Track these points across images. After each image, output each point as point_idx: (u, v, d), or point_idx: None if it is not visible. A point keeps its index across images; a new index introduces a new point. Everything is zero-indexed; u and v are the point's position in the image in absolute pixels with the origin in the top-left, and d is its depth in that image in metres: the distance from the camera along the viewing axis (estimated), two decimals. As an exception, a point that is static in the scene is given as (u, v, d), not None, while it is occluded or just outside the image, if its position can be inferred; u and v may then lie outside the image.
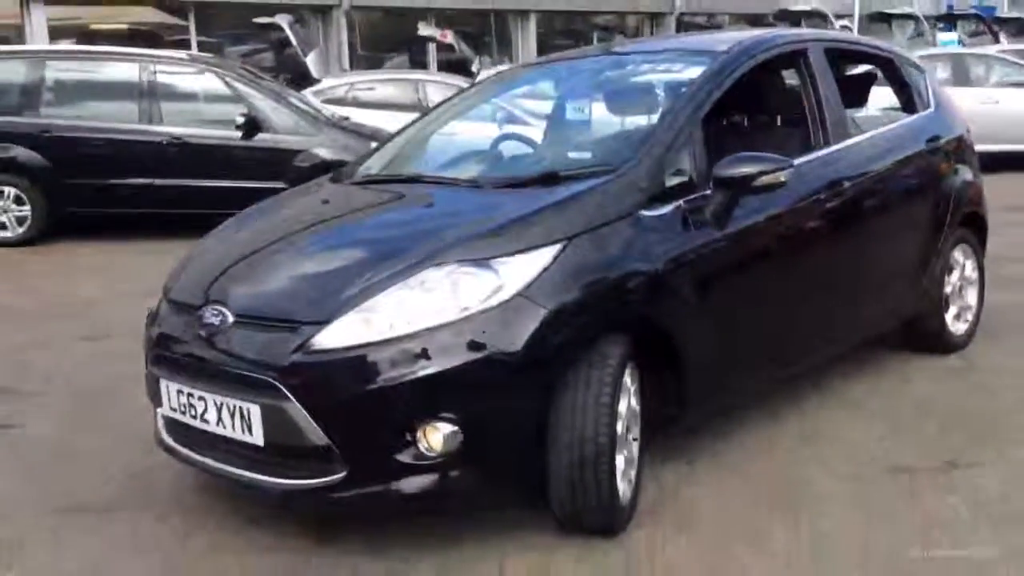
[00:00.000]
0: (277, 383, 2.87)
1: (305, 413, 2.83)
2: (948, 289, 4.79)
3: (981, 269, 5.06)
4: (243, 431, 2.97)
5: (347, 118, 10.50)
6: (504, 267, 2.92)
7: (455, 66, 14.64)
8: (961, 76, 12.89)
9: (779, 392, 4.11)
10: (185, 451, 3.26)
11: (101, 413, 4.38)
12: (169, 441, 3.34)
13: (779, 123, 4.41)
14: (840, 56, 4.46)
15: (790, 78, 4.20)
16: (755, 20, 20.75)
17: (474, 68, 14.52)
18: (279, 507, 3.24)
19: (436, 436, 2.81)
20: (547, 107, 4.24)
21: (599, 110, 4.12)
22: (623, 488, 3.06)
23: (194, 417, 3.13)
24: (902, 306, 4.51)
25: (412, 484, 2.86)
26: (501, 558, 3.01)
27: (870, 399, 4.29)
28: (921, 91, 4.86)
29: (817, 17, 12.14)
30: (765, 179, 3.37)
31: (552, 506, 3.01)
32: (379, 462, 2.85)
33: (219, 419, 3.04)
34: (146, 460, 3.71)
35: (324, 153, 9.60)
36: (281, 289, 3.12)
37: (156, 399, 3.33)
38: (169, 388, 3.21)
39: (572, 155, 3.93)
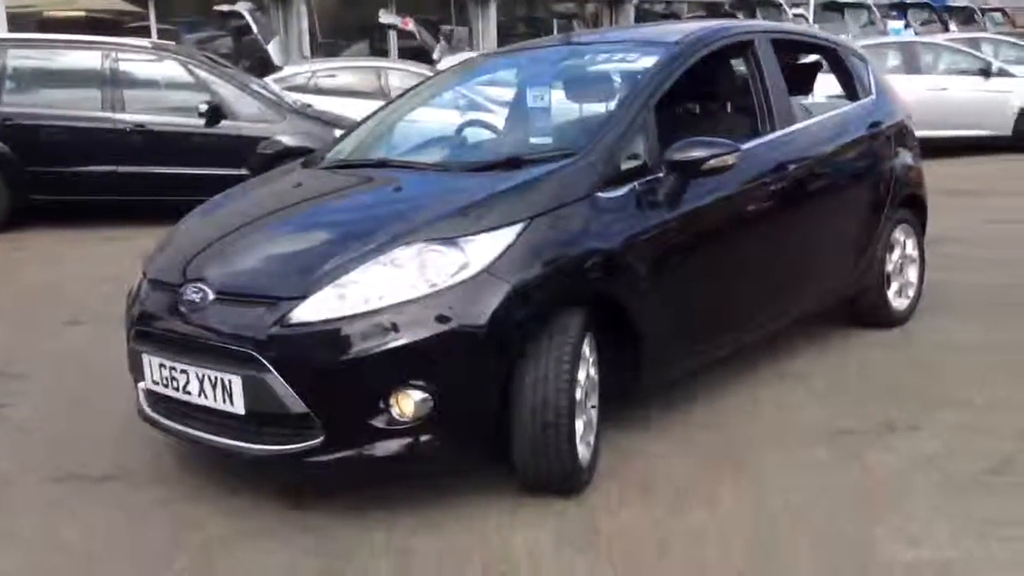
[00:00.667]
0: (257, 355, 3.05)
1: (284, 383, 3.01)
2: (890, 267, 5.06)
3: (921, 248, 5.33)
4: (224, 401, 3.15)
5: (309, 105, 10.62)
6: (470, 245, 3.11)
7: (416, 54, 14.76)
8: (911, 64, 13.24)
9: (726, 364, 4.34)
10: (167, 422, 3.43)
11: (86, 393, 4.52)
12: (151, 413, 3.50)
13: (728, 110, 4.64)
14: (786, 46, 4.69)
15: (738, 67, 4.41)
16: (712, 8, 21.07)
17: (435, 56, 14.65)
18: (258, 471, 3.42)
19: (408, 403, 3.00)
20: (509, 95, 4.43)
21: (558, 97, 4.31)
22: (582, 451, 3.27)
23: (176, 389, 3.30)
24: (845, 282, 4.76)
25: (385, 448, 3.05)
26: (468, 518, 3.21)
27: (813, 369, 4.54)
28: (863, 79, 5.12)
29: (772, 6, 12.43)
30: (714, 162, 3.59)
31: (516, 468, 3.22)
32: (354, 428, 3.04)
33: (201, 390, 3.21)
34: (129, 436, 3.87)
35: (287, 140, 9.71)
36: (259, 267, 3.30)
37: (138, 373, 3.49)
38: (151, 362, 3.38)
39: (533, 140, 4.14)
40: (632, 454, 3.65)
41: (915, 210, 5.27)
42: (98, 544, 3.15)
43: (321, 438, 3.04)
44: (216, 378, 3.15)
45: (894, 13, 22.03)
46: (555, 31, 20.27)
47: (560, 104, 4.27)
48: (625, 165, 3.56)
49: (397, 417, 3.02)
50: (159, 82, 9.80)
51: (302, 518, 3.27)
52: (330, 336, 3.02)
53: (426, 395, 3.00)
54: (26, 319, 5.93)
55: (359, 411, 3.03)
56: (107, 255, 7.99)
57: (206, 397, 3.20)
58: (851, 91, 5.06)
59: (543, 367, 3.12)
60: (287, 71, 12.34)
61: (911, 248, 5.26)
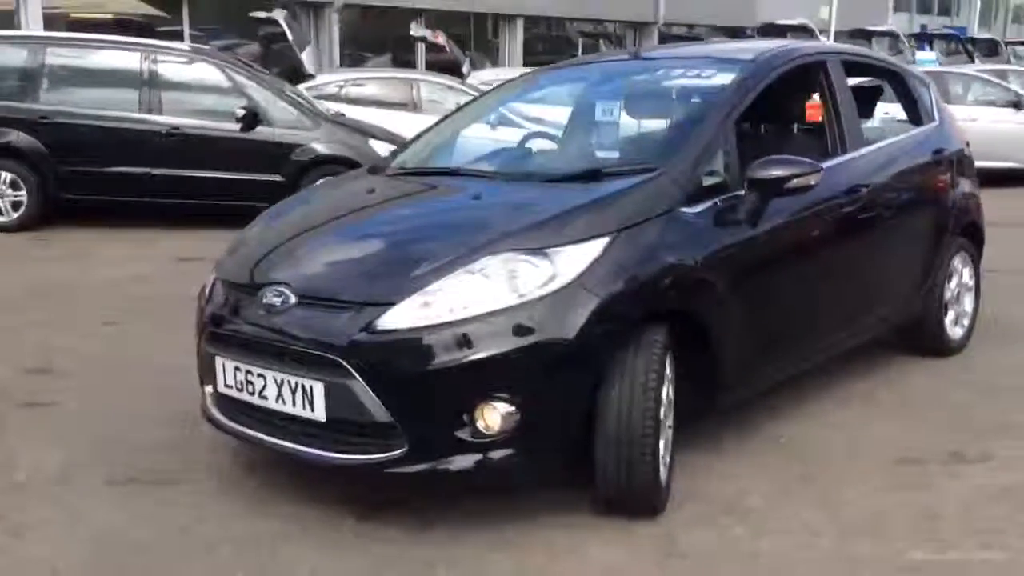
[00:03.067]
0: (342, 361, 3.00)
1: (369, 391, 2.97)
2: (948, 295, 5.01)
3: (977, 277, 5.29)
4: (304, 407, 3.10)
5: (342, 114, 10.62)
6: (558, 256, 3.07)
7: (444, 68, 14.77)
8: (940, 94, 13.20)
9: (792, 386, 4.29)
10: (238, 427, 3.38)
11: (133, 394, 4.48)
12: (220, 417, 3.45)
13: (800, 130, 4.60)
14: (855, 69, 4.66)
15: (811, 88, 4.38)
16: (734, 33, 21.09)
17: (464, 70, 14.66)
18: (324, 480, 3.37)
19: (493, 415, 2.95)
20: (578, 109, 4.39)
21: (630, 112, 4.29)
22: (662, 471, 3.22)
23: (251, 393, 3.25)
24: (908, 307, 4.72)
25: (468, 461, 3.00)
26: (543, 536, 3.16)
27: (878, 394, 4.49)
28: (927, 105, 5.09)
29: (802, 31, 12.39)
30: (796, 181, 3.55)
31: (598, 487, 3.16)
32: (438, 439, 2.99)
33: (279, 395, 3.16)
34: (181, 433, 3.84)
35: (321, 148, 9.73)
36: (343, 271, 3.26)
37: (209, 376, 3.45)
38: (225, 365, 3.33)
39: (607, 154, 4.08)
40: (705, 474, 3.60)
41: (973, 239, 5.23)
42: (163, 553, 3.10)
43: (404, 448, 2.99)
44: (296, 383, 3.11)
45: (918, 43, 22.09)
46: (580, 51, 20.35)
47: (632, 118, 4.24)
48: (706, 181, 3.53)
49: (482, 430, 2.97)
50: (196, 85, 9.79)
51: (374, 530, 3.21)
52: (417, 344, 2.97)
53: (512, 408, 2.95)
54: (63, 319, 5.90)
55: (444, 422, 2.98)
56: (138, 256, 7.99)
57: (284, 403, 3.16)
58: (915, 116, 5.03)
59: (628, 384, 3.07)
60: (318, 80, 12.35)
61: (968, 277, 5.22)
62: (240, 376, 3.29)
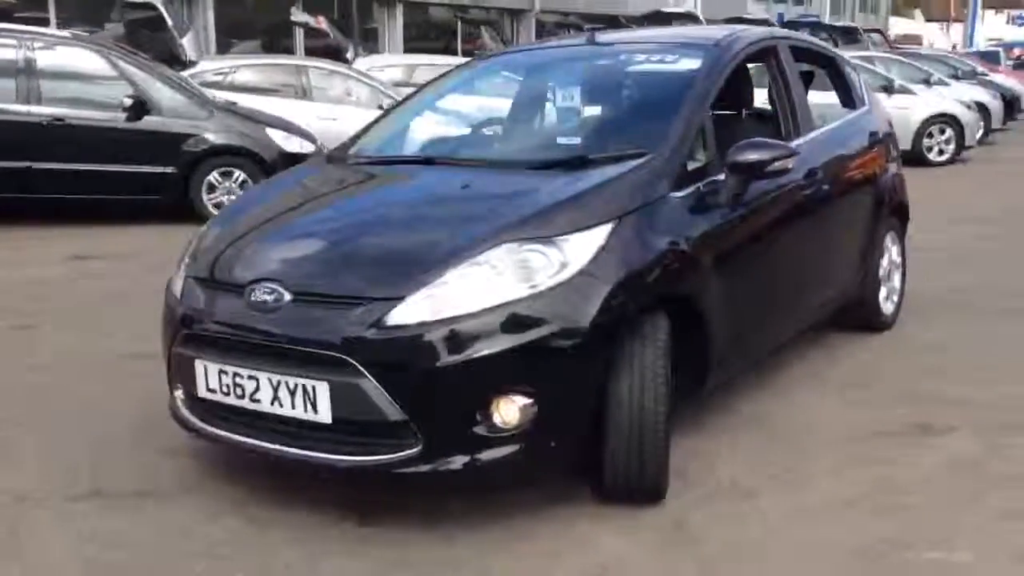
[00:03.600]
0: (350, 360, 2.87)
1: (381, 389, 2.85)
2: (881, 272, 5.19)
3: (903, 255, 5.50)
4: (305, 409, 2.95)
5: (233, 102, 10.25)
6: (567, 244, 3.01)
7: (325, 53, 14.41)
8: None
9: (757, 367, 4.36)
10: (222, 432, 3.20)
11: (65, 400, 4.19)
12: (198, 423, 3.26)
13: (755, 115, 4.67)
14: (798, 54, 4.76)
15: (767, 72, 4.44)
16: (610, 21, 21.37)
17: (349, 56, 14.36)
18: (331, 484, 3.24)
19: (511, 409, 2.88)
20: (536, 95, 4.31)
21: (601, 98, 4.26)
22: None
23: (240, 397, 3.08)
24: (853, 285, 4.87)
25: (487, 456, 2.91)
26: (553, 530, 3.10)
27: (831, 372, 4.62)
28: (858, 90, 5.25)
29: (689, 19, 12.62)
30: (776, 165, 3.59)
31: (607, 476, 3.12)
32: (455, 436, 2.90)
33: (275, 398, 3.00)
34: (148, 447, 3.60)
35: (215, 138, 9.38)
36: (341, 266, 3.11)
37: (185, 380, 3.25)
38: (207, 368, 3.15)
39: (579, 140, 4.01)
40: (691, 454, 3.60)
41: (901, 218, 5.43)
42: (163, 558, 2.93)
43: (419, 447, 2.88)
44: (296, 385, 2.96)
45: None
46: (459, 38, 20.23)
47: (603, 105, 4.21)
48: (690, 166, 3.53)
49: (499, 424, 2.89)
50: (78, 74, 9.27)
51: (376, 533, 3.09)
52: (430, 339, 2.86)
53: (529, 401, 2.88)
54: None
55: (460, 419, 2.89)
56: (30, 259, 7.52)
57: (281, 405, 3.00)
58: (849, 101, 5.18)
59: (639, 372, 3.04)
60: (199, 67, 11.86)
61: (896, 255, 5.42)
62: (226, 379, 3.10)
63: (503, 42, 18.71)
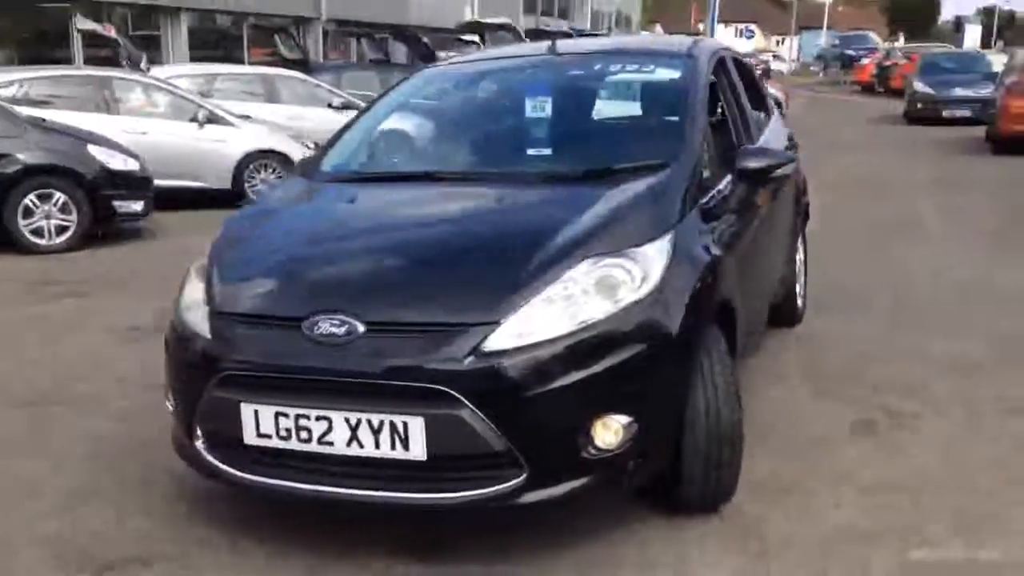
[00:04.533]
0: (449, 391, 2.69)
1: (484, 419, 2.69)
2: (797, 267, 5.47)
3: (806, 252, 5.82)
4: (394, 447, 2.74)
5: (42, 119, 9.34)
6: (642, 257, 2.96)
7: (115, 63, 13.38)
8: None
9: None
10: (275, 482, 2.93)
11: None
12: (239, 474, 2.96)
13: (718, 122, 4.76)
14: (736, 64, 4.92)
15: (721, 81, 4.55)
16: (395, 31, 21.24)
17: (143, 66, 13.43)
18: (343, 526, 3.07)
19: (612, 429, 2.80)
20: (515, 105, 4.17)
21: (592, 109, 4.20)
22: None
23: (305, 440, 2.82)
24: (788, 279, 5.09)
25: (592, 479, 2.83)
26: (641, 543, 3.06)
27: (787, 369, 4.81)
28: (768, 97, 5.50)
29: (506, 29, 12.67)
30: (780, 171, 3.69)
31: (684, 487, 3.10)
32: (559, 461, 2.79)
33: (352, 438, 2.77)
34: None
35: (29, 157, 8.56)
36: (421, 293, 2.90)
37: (218, 426, 2.95)
38: (259, 413, 2.86)
39: (585, 151, 3.91)
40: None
41: (805, 217, 5.74)
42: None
43: (523, 476, 2.74)
44: (381, 422, 2.74)
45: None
46: (246, 46, 19.35)
47: (598, 115, 4.16)
48: (704, 174, 3.57)
49: (601, 446, 2.80)
50: None
51: (453, 571, 2.93)
52: (529, 363, 2.73)
53: (629, 419, 2.81)
54: None
55: (564, 443, 2.78)
56: None
57: (362, 446, 2.77)
58: (764, 108, 5.41)
59: (710, 381, 3.04)
60: (-14, 80, 10.71)
61: (802, 252, 5.72)
62: (286, 422, 2.83)
63: (301, 50, 18.13)
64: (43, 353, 5.41)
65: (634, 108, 4.14)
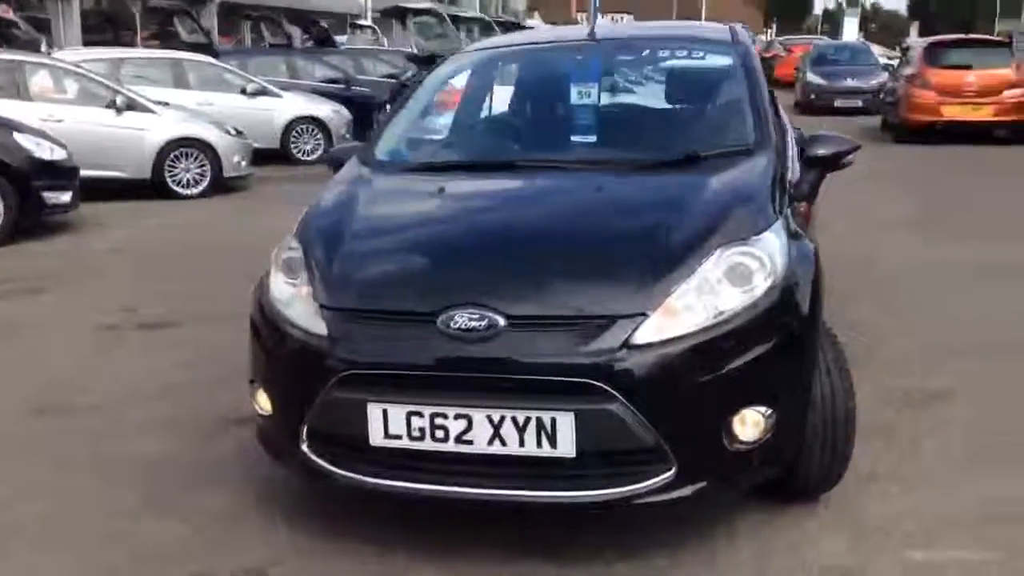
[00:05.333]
0: (602, 385, 2.61)
1: (636, 413, 2.62)
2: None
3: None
4: (540, 444, 2.65)
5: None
6: (765, 245, 2.93)
7: (12, 44, 12.61)
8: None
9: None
10: (408, 485, 2.80)
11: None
12: (363, 478, 2.82)
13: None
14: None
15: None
16: (296, 16, 20.71)
17: (43, 49, 12.70)
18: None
19: (755, 421, 2.77)
20: (578, 92, 4.06)
21: (660, 93, 4.14)
22: None
23: (441, 440, 2.70)
24: None
25: (736, 472, 2.83)
26: (755, 530, 3.06)
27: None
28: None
29: (430, 14, 12.39)
30: (848, 158, 3.73)
31: (800, 474, 3.09)
32: (707, 454, 2.75)
33: (495, 436, 2.67)
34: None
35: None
36: (562, 284, 2.81)
37: (337, 428, 2.81)
38: (388, 413, 2.72)
39: (662, 134, 3.84)
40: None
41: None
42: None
43: (671, 471, 2.69)
44: (527, 419, 2.64)
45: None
46: (139, 28, 18.45)
47: (668, 100, 4.10)
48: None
49: (744, 439, 2.76)
50: None
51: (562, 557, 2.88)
52: (677, 356, 2.68)
53: (769, 410, 2.78)
54: None
55: (711, 436, 2.73)
56: None
57: (504, 444, 2.67)
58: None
59: (825, 365, 3.04)
60: None
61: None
62: (419, 422, 2.70)
63: (204, 33, 17.41)
64: (29, 357, 5.07)
65: (696, 95, 4.09)
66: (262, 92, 13.59)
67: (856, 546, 3.00)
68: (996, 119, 14.25)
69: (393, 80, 18.03)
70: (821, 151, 3.67)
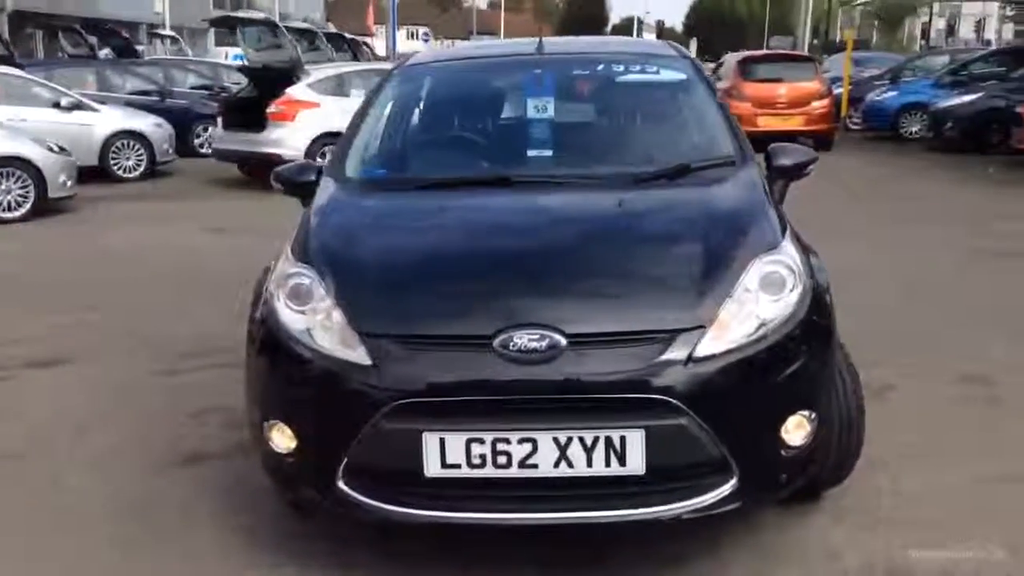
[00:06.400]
0: (671, 399, 2.59)
1: (704, 426, 2.61)
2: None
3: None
4: (608, 464, 2.59)
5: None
6: (789, 252, 3.00)
7: None
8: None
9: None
10: (469, 515, 2.68)
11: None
12: (419, 512, 2.68)
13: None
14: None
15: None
16: (86, 24, 19.47)
17: None
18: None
19: (803, 428, 2.81)
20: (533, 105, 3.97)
21: (617, 109, 4.10)
22: None
23: (504, 466, 2.60)
24: None
25: (790, 479, 2.85)
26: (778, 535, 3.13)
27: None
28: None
29: (265, 24, 11.82)
30: (811, 167, 3.86)
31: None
32: (765, 463, 2.77)
33: (561, 459, 2.59)
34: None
35: None
36: (613, 302, 2.77)
37: (401, 462, 2.65)
38: (446, 441, 2.60)
39: (644, 148, 3.80)
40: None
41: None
42: None
43: (734, 481, 2.69)
44: (595, 439, 2.58)
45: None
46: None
47: (638, 115, 4.08)
48: None
49: (795, 444, 2.79)
50: None
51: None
52: (735, 366, 2.68)
53: (815, 414, 2.83)
54: None
55: (769, 444, 2.75)
56: None
57: (571, 465, 2.59)
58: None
59: (837, 367, 3.13)
60: None
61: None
62: (480, 449, 2.59)
63: (3, 43, 16.00)
64: None
65: (666, 108, 4.09)
66: (77, 106, 12.72)
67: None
68: (806, 128, 15.26)
69: (207, 91, 17.35)
70: (786, 161, 3.78)
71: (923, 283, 6.69)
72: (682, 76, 4.09)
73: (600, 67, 4.24)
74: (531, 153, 3.77)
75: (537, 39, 4.29)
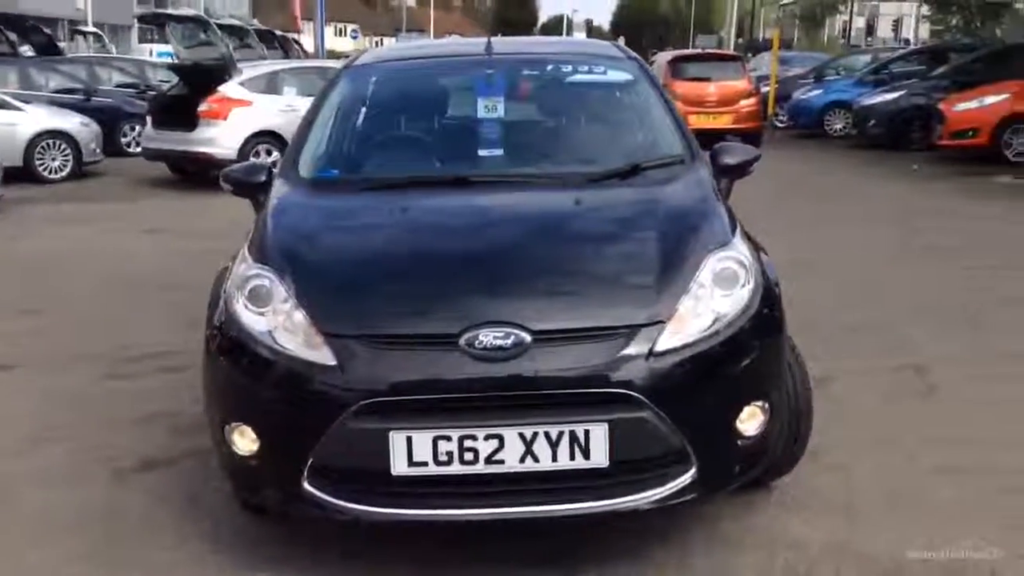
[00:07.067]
0: (634, 393, 2.65)
1: (665, 418, 2.68)
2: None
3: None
4: (574, 457, 2.64)
5: None
6: (740, 248, 3.09)
7: None
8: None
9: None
10: (433, 512, 2.71)
11: None
12: (385, 511, 2.70)
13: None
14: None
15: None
16: (10, 22, 18.95)
17: None
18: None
19: (756, 418, 2.90)
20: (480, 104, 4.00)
21: (566, 107, 4.12)
22: None
23: (470, 462, 2.64)
24: None
25: (744, 468, 2.93)
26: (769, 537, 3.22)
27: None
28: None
29: (195, 22, 11.59)
30: (755, 166, 3.96)
31: (765, 462, 3.26)
32: (722, 454, 2.85)
33: (527, 454, 2.63)
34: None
35: None
36: (574, 299, 2.81)
37: (367, 461, 2.66)
38: (412, 440, 2.62)
39: (600, 149, 3.88)
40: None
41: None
42: None
43: (692, 471, 2.76)
44: (560, 433, 2.63)
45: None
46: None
47: (584, 115, 4.12)
48: None
49: (748, 433, 2.88)
50: None
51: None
52: (694, 361, 2.76)
53: (765, 403, 2.93)
54: None
55: (726, 434, 2.84)
56: None
57: (536, 460, 2.64)
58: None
59: (787, 360, 3.22)
60: None
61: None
62: (447, 446, 2.62)
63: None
64: None
65: (614, 108, 4.15)
66: (2, 105, 12.38)
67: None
68: (735, 127, 15.51)
69: (133, 89, 17.04)
70: (730, 160, 3.87)
71: (853, 278, 6.88)
72: (629, 76, 4.16)
73: (549, 67, 4.30)
74: (483, 153, 3.80)
75: (486, 39, 4.32)
